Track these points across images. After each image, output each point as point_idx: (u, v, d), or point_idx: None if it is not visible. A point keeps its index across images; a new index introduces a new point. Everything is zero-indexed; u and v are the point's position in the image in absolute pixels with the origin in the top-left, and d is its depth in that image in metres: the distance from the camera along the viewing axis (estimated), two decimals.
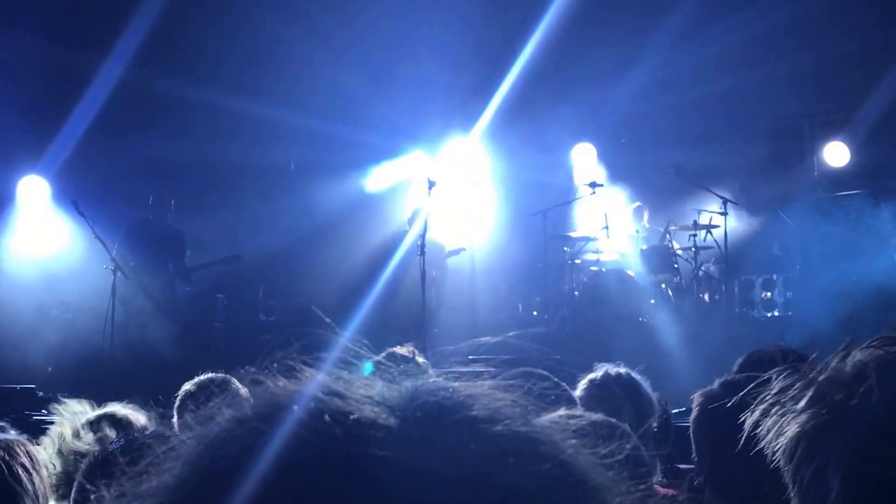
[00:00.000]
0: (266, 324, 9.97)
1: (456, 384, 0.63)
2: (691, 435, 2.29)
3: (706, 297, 10.14)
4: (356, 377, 0.63)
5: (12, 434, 2.00)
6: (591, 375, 3.03)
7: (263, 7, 10.37)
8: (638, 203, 10.49)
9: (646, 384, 3.00)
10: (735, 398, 1.14)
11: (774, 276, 10.11)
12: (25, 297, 9.43)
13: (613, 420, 2.05)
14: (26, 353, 8.92)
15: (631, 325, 9.21)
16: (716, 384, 2.33)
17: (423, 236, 8.04)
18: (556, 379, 2.76)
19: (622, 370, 3.07)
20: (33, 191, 10.21)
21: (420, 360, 3.62)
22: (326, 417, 0.57)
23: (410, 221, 9.20)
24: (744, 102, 10.62)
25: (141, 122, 10.36)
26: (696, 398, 2.34)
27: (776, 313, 9.90)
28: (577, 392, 2.94)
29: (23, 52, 9.85)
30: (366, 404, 0.59)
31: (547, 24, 9.44)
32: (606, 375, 3.02)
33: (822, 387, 0.95)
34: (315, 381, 0.63)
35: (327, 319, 0.85)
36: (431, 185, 8.96)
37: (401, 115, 10.61)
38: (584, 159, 11.05)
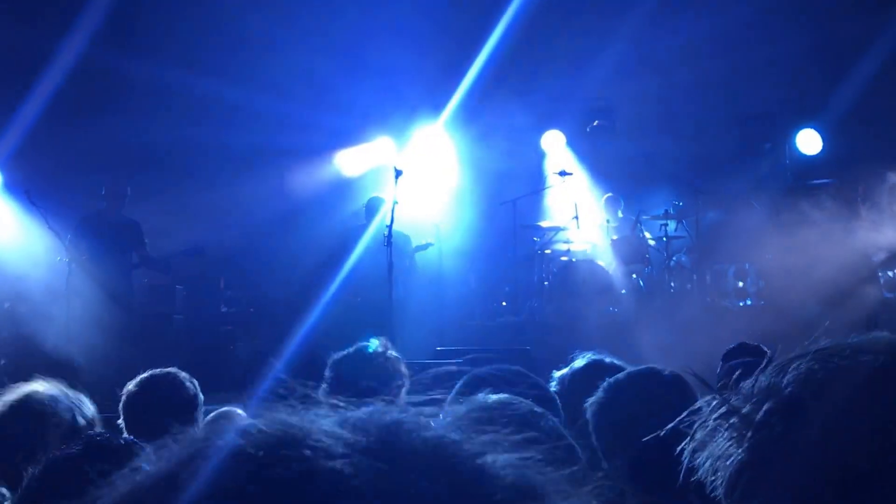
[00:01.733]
0: (227, 315, 9.74)
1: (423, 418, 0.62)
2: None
3: (678, 287, 10.03)
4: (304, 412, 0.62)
5: None
6: (575, 363, 2.98)
7: None
8: (610, 193, 10.38)
9: (627, 367, 2.87)
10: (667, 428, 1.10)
11: (747, 266, 10.03)
12: None
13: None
14: None
15: (601, 316, 9.12)
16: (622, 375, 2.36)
17: (389, 226, 7.86)
18: (530, 375, 2.68)
19: (606, 358, 3.00)
20: None
21: (392, 353, 3.47)
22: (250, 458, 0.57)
23: (367, 210, 8.86)
24: (716, 89, 10.53)
25: (97, 107, 10.00)
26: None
27: (749, 303, 9.81)
28: (555, 384, 2.88)
29: None
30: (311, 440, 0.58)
31: (515, 10, 9.27)
32: (593, 362, 2.96)
33: (760, 418, 0.92)
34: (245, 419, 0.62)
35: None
36: (398, 174, 8.75)
37: (368, 100, 10.42)
38: (554, 147, 10.93)
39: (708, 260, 10.18)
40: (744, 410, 0.94)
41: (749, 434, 0.92)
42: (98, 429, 2.63)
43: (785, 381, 0.93)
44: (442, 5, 10.01)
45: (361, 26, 10.32)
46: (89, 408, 2.73)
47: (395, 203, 8.34)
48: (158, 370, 3.14)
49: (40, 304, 8.86)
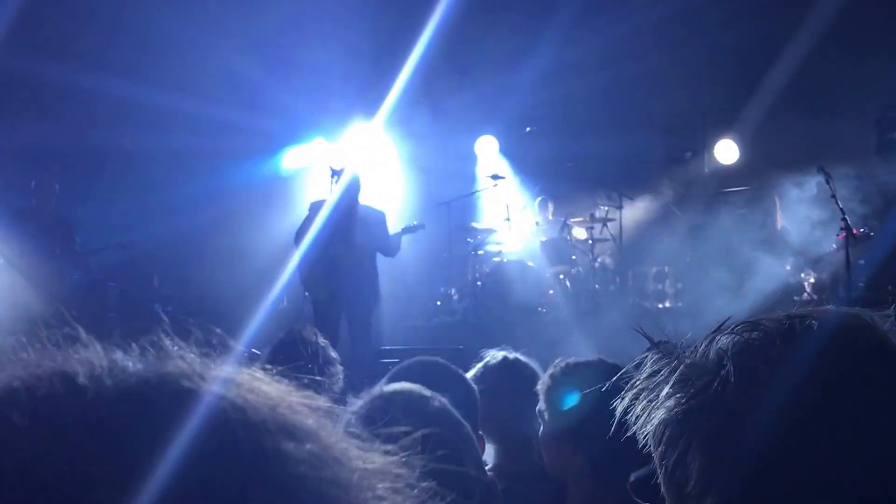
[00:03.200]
0: (161, 314, 9.63)
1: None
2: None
3: (602, 288, 10.43)
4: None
5: None
6: (482, 362, 3.06)
7: None
8: (541, 197, 10.71)
9: (534, 364, 3.05)
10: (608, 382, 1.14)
11: (666, 269, 10.51)
12: None
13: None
14: None
15: (531, 315, 9.41)
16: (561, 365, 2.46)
17: (352, 205, 7.55)
18: (451, 366, 2.79)
19: (509, 354, 3.10)
20: None
21: (327, 347, 3.49)
22: None
23: (334, 174, 8.03)
24: (641, 99, 10.91)
25: (22, 107, 9.78)
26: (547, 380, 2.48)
27: (668, 304, 10.28)
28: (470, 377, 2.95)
29: None
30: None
31: (444, 10, 9.28)
32: (495, 360, 3.05)
33: (686, 372, 0.96)
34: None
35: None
36: (335, 173, 8.78)
37: (300, 101, 10.39)
38: (487, 151, 11.18)
39: (630, 262, 10.64)
40: (672, 368, 0.97)
41: (675, 390, 0.95)
42: None
43: (715, 341, 0.96)
44: (372, 3, 10.06)
45: (292, 27, 10.29)
46: None
47: (358, 179, 7.89)
48: None
49: None
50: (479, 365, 3.01)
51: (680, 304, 10.12)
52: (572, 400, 2.48)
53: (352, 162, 8.85)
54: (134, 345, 0.60)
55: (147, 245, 9.35)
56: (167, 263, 10.18)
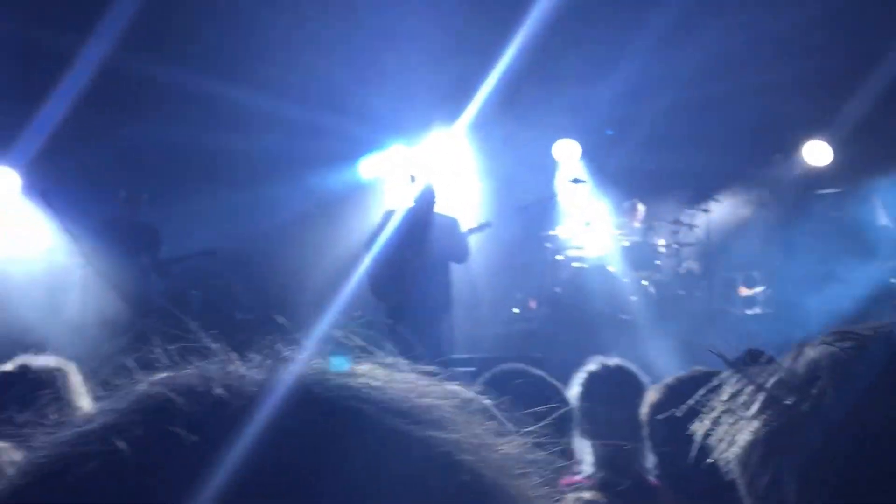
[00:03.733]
0: (243, 322, 9.80)
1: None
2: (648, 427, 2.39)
3: (687, 293, 10.12)
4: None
5: None
6: (590, 368, 3.00)
7: None
8: (630, 200, 10.45)
9: (643, 376, 2.99)
10: (685, 405, 1.08)
11: (755, 274, 10.13)
12: None
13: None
14: None
15: (612, 322, 9.20)
16: (670, 379, 2.41)
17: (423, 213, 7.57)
18: (539, 372, 2.77)
19: (620, 362, 3.04)
20: (2, 183, 9.87)
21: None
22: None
23: (419, 200, 8.26)
24: (729, 101, 10.59)
25: (118, 111, 10.01)
26: (652, 393, 2.44)
27: (757, 310, 9.91)
28: (576, 388, 2.92)
29: None
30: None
31: (533, 21, 9.26)
32: (605, 368, 2.99)
33: (774, 391, 0.90)
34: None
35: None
36: (412, 180, 8.81)
37: (385, 108, 10.44)
38: (569, 155, 11.00)
39: (717, 267, 10.29)
40: (759, 387, 0.92)
41: (762, 410, 0.91)
42: None
43: (803, 357, 0.92)
44: (458, 16, 10.05)
45: (380, 35, 10.35)
46: None
47: (432, 190, 8.11)
48: None
49: (53, 308, 8.91)
50: (585, 371, 2.97)
51: (770, 311, 9.72)
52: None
53: (428, 170, 8.91)
54: (254, 353, 0.60)
55: (229, 250, 9.51)
56: (250, 268, 10.33)
